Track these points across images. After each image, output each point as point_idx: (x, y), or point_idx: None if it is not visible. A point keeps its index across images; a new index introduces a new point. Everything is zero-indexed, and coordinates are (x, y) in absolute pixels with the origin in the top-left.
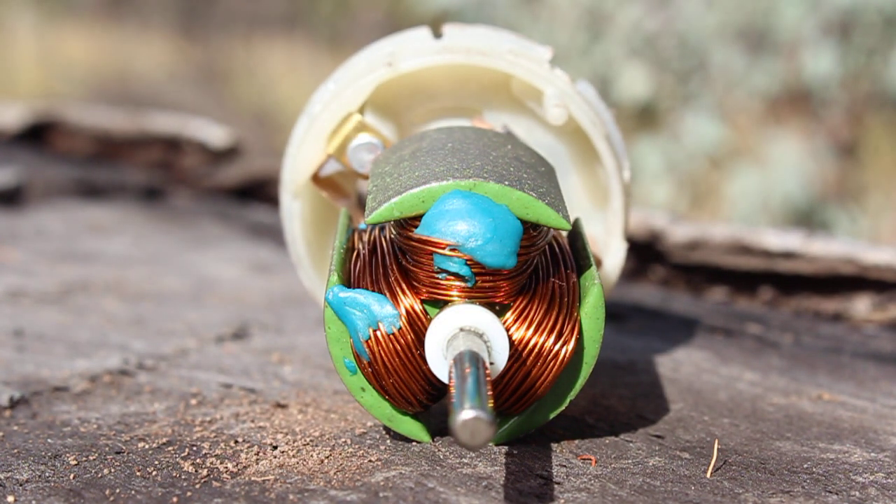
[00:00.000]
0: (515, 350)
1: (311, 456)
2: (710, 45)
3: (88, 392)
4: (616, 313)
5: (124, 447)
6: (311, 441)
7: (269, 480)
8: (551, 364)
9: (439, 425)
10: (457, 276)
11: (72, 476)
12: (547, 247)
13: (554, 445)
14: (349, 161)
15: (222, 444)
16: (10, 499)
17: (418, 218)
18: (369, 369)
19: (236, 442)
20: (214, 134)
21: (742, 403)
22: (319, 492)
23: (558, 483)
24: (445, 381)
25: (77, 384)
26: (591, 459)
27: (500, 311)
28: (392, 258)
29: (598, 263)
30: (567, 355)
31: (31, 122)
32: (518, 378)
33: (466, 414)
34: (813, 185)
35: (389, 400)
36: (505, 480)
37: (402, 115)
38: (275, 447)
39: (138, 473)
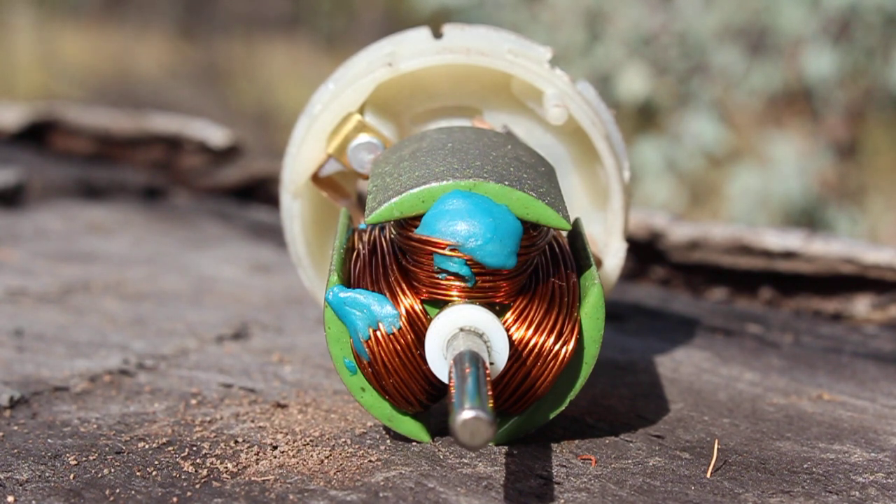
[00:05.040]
0: (515, 350)
1: (311, 456)
2: (709, 45)
3: (88, 392)
4: (616, 313)
5: (124, 447)
6: (311, 441)
7: (269, 480)
8: (551, 364)
9: (439, 425)
10: (457, 276)
11: (72, 476)
12: (547, 247)
13: (554, 445)
14: (349, 161)
15: (222, 444)
16: (10, 499)
17: (418, 218)
18: (369, 369)
19: (236, 442)
20: (214, 134)
21: (742, 403)
22: (319, 492)
23: (558, 483)
24: (445, 381)
25: (77, 384)
26: (591, 459)
27: (500, 311)
28: (392, 258)
29: (598, 263)
30: (567, 355)
31: (31, 122)
32: (518, 378)
33: (466, 414)
34: (813, 185)
35: (389, 400)
36: (505, 480)
37: (402, 115)
38: (275, 447)
39: (138, 473)
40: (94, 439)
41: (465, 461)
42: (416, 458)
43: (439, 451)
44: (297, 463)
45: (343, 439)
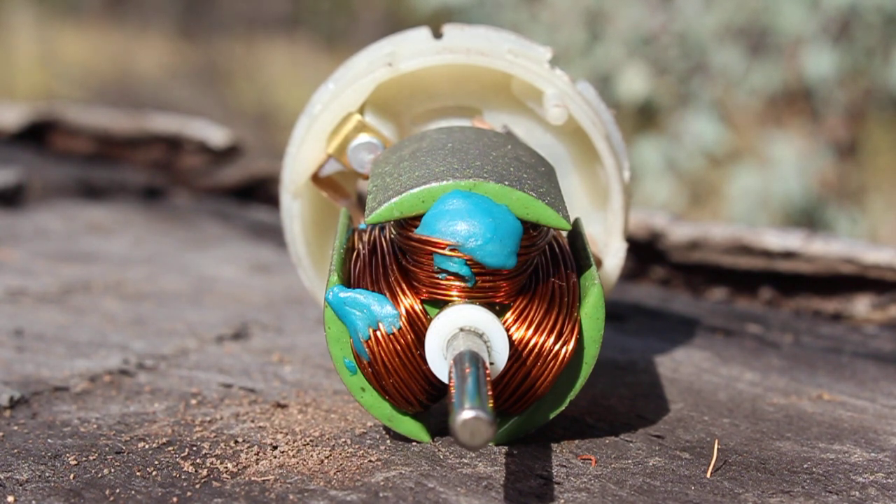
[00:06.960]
0: (515, 350)
1: (311, 456)
2: (710, 45)
3: (88, 392)
4: (616, 313)
5: (124, 447)
6: (311, 441)
7: (269, 480)
8: (551, 364)
9: (439, 425)
10: (457, 276)
11: (72, 476)
12: (547, 247)
13: (554, 445)
14: (349, 161)
15: (222, 444)
16: (10, 499)
17: (418, 218)
18: (369, 369)
19: (236, 442)
20: (214, 134)
21: (742, 403)
22: (319, 492)
23: (558, 483)
24: (445, 381)
25: (77, 384)
26: (591, 459)
27: (500, 311)
28: (392, 258)
29: (598, 263)
30: (567, 355)
31: (31, 122)
32: (518, 378)
33: (466, 414)
34: (813, 185)
35: (389, 400)
36: (505, 480)
37: (402, 115)
38: (275, 447)
39: (138, 473)
40: (94, 439)
41: (465, 461)
42: (416, 458)
43: (439, 451)
44: (297, 463)
45: (343, 439)
